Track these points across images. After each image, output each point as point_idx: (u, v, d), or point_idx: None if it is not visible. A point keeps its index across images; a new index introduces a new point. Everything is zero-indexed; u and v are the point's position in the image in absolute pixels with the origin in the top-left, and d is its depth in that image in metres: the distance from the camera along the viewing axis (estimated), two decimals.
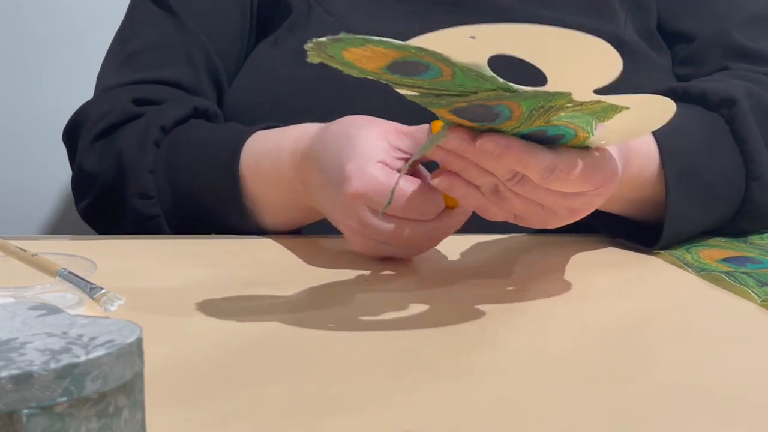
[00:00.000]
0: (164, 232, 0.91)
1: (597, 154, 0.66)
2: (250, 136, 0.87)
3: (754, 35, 0.99)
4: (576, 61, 0.58)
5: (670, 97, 0.79)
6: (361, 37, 0.56)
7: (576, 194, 0.68)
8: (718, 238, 0.85)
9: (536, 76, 0.59)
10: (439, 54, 0.56)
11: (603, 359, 0.59)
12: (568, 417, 0.51)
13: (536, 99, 0.59)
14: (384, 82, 0.62)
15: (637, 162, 0.79)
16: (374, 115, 0.82)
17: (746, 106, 0.87)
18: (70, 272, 0.70)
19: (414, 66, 0.58)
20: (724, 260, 0.78)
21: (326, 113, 0.88)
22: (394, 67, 0.59)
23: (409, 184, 0.73)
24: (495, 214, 0.70)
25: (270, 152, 0.84)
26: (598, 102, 0.60)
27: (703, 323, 0.67)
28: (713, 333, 0.65)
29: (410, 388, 0.55)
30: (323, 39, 0.57)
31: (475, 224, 0.89)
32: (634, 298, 0.72)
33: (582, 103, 0.60)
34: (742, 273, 0.73)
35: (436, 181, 0.69)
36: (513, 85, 0.58)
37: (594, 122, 0.62)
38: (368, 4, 0.95)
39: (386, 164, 0.73)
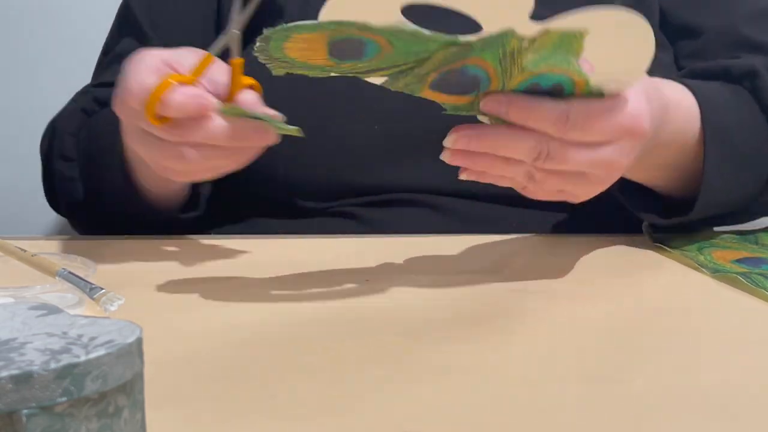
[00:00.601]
0: (78, 198, 0.92)
1: (610, 99, 0.66)
2: None
3: (762, 29, 0.98)
4: None
5: (689, 77, 0.80)
6: (281, 27, 0.57)
7: (605, 144, 0.67)
8: (728, 237, 0.85)
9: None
10: (359, 23, 0.56)
11: (603, 359, 0.59)
12: (569, 417, 0.51)
13: (492, 47, 0.59)
14: (341, 74, 0.62)
15: (680, 114, 0.79)
16: (367, 115, 0.83)
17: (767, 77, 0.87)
18: (69, 272, 0.70)
19: (351, 45, 0.59)
20: (738, 261, 0.78)
21: (320, 116, 0.88)
22: (335, 52, 0.59)
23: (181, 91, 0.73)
24: (540, 195, 0.70)
25: None
26: (548, 32, 0.59)
27: (707, 323, 0.67)
28: (717, 333, 0.65)
29: (410, 388, 0.55)
30: (258, 43, 0.57)
31: (476, 224, 0.89)
32: (638, 297, 0.72)
33: (535, 38, 0.59)
34: (758, 275, 0.73)
35: (464, 176, 0.69)
36: (458, 36, 0.58)
37: (571, 59, 0.62)
38: None
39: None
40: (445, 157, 0.69)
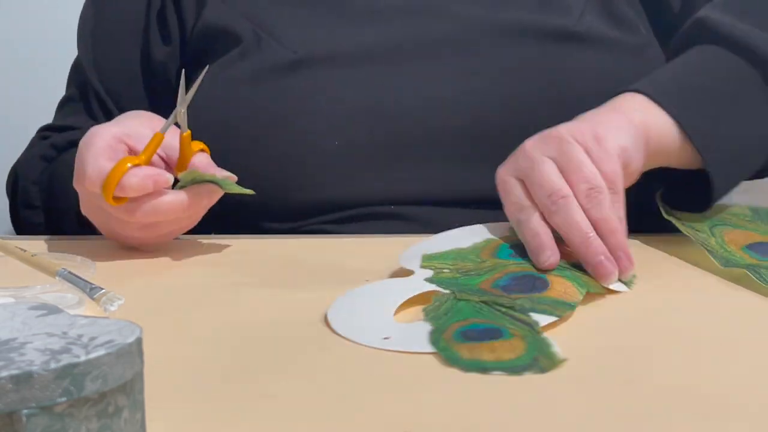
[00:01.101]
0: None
1: None
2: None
3: None
4: None
5: (677, 44, 0.89)
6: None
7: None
8: (741, 214, 0.83)
9: None
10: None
11: (604, 359, 0.59)
12: (569, 417, 0.51)
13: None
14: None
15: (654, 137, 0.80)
16: (326, 131, 0.86)
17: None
18: (69, 272, 0.70)
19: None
20: (749, 247, 0.77)
21: (279, 136, 0.89)
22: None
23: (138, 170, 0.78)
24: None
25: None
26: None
27: (709, 323, 0.67)
28: (718, 333, 0.65)
29: (410, 388, 0.55)
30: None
31: (446, 225, 0.89)
32: (638, 297, 0.72)
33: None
34: (766, 269, 0.73)
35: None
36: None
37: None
38: (319, 29, 0.95)
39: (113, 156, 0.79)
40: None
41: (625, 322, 0.67)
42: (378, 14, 0.95)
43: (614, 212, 0.73)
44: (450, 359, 0.58)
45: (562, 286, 0.69)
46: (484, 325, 0.63)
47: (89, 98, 1.03)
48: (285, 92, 0.91)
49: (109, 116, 1.00)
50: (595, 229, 0.72)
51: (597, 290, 0.70)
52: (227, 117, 0.91)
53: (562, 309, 0.66)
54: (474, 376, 0.56)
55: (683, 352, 0.60)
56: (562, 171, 0.73)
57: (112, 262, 0.80)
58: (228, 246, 0.85)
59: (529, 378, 0.56)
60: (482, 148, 0.89)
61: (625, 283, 0.72)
